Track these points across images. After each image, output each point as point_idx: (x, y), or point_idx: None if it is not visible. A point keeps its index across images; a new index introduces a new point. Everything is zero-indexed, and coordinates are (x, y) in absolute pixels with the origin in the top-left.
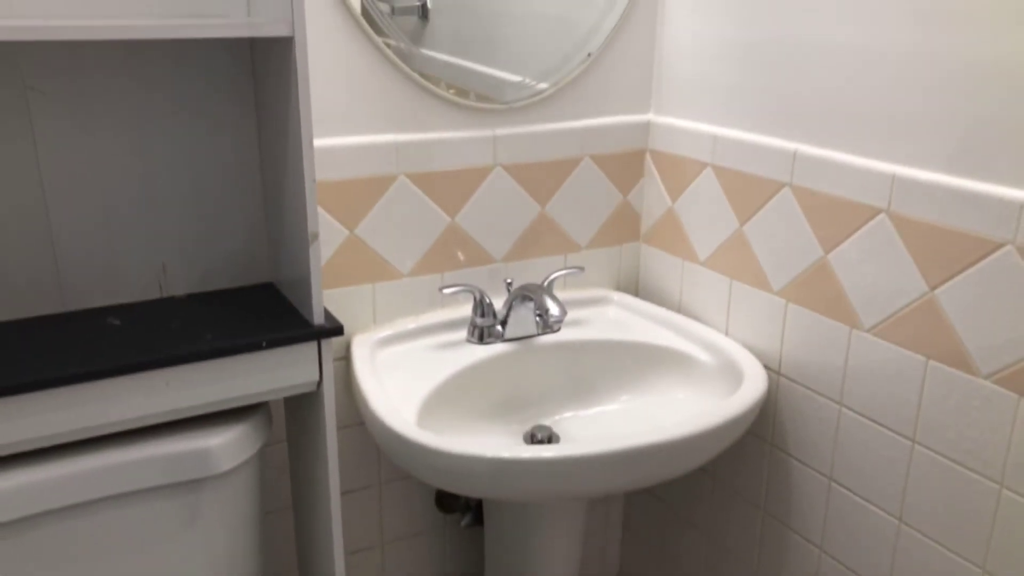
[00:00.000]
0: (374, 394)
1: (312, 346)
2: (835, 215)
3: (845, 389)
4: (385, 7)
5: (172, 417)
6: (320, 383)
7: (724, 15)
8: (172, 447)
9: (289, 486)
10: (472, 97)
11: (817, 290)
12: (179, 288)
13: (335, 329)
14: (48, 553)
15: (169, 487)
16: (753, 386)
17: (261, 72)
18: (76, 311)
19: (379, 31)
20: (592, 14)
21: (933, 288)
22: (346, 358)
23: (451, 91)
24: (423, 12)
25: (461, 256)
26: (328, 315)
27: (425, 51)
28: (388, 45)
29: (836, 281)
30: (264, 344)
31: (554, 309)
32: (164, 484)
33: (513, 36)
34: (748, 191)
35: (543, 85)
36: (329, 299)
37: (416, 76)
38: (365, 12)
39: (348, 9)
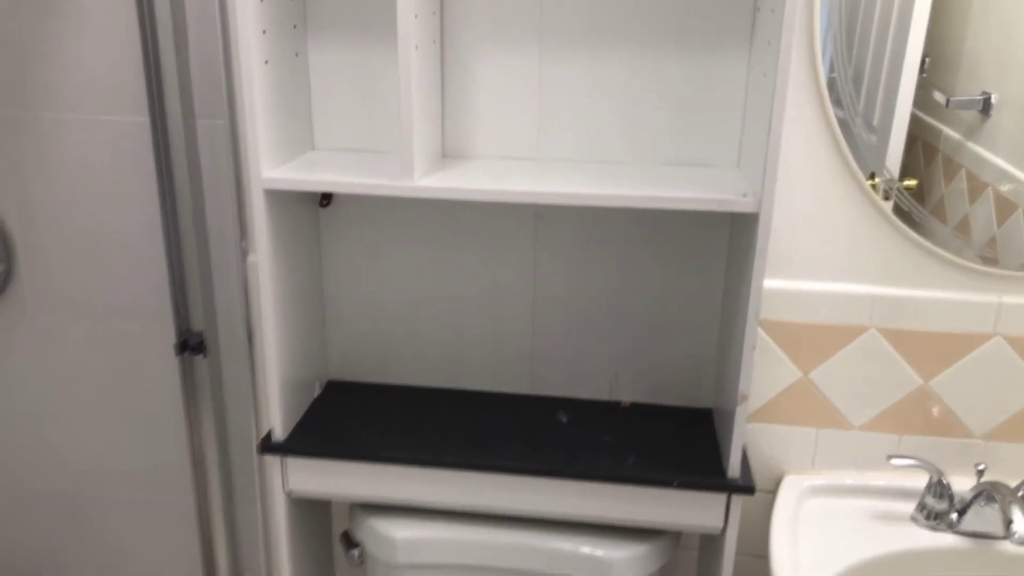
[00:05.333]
0: (782, 559)
1: (721, 495)
2: None
3: None
4: (874, 138)
5: (581, 520)
6: (724, 531)
7: None
8: (582, 549)
9: None
10: (974, 258)
11: None
12: (627, 394)
13: (745, 488)
14: None
15: None
16: None
17: (738, 224)
18: (538, 396)
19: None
20: None
21: None
22: (774, 492)
23: (949, 250)
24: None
25: (935, 415)
26: (745, 469)
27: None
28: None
29: None
30: (675, 484)
31: (1022, 527)
32: None
33: None
34: None
35: None
36: (768, 433)
37: (911, 232)
38: (855, 152)
39: (844, 161)
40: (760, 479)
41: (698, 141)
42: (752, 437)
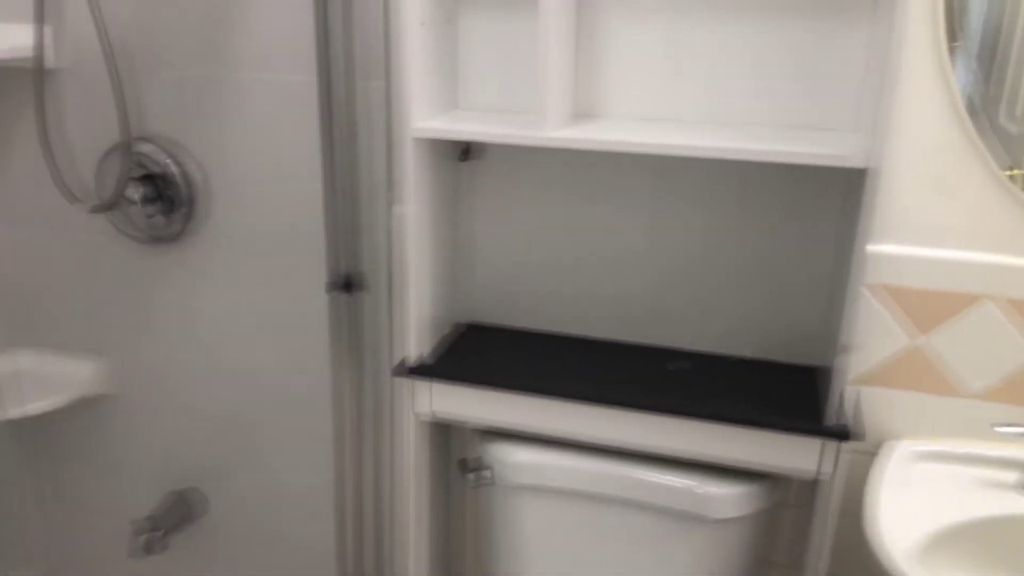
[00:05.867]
0: (876, 513)
1: (815, 442)
2: None
3: None
4: (1014, 128)
5: (687, 458)
6: (818, 476)
7: None
8: (685, 483)
9: (798, 547)
10: None
11: None
12: (737, 348)
13: (840, 434)
14: (582, 521)
15: (673, 512)
16: None
17: (853, 186)
18: (651, 346)
19: (995, 154)
20: None
21: None
22: (874, 455)
23: None
24: None
25: None
26: (841, 419)
27: None
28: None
29: None
30: (769, 426)
31: None
32: (670, 508)
33: None
34: None
35: None
36: (875, 397)
37: None
38: (983, 135)
39: (964, 129)
40: (865, 442)
41: (820, 106)
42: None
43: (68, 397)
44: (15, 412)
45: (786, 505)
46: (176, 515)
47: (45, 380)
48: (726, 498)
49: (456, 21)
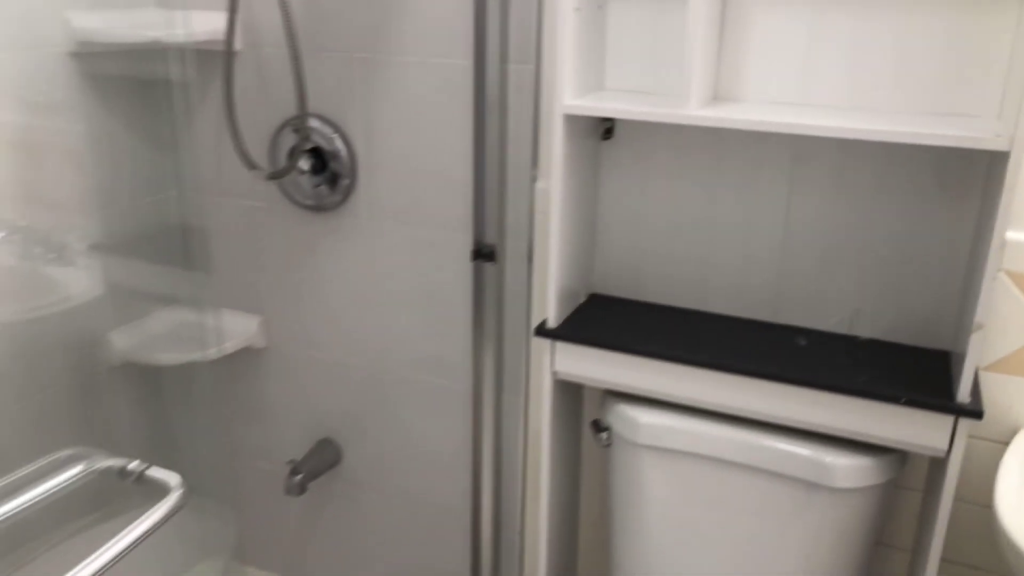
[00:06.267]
0: (1005, 486)
1: (947, 418)
2: None
3: None
4: None
5: (811, 428)
6: (949, 455)
7: None
8: (809, 452)
9: (911, 529)
10: None
11: None
12: (864, 331)
13: (972, 411)
14: (703, 484)
15: (794, 480)
16: None
17: (993, 171)
18: (778, 324)
19: None
20: None
21: None
22: (1003, 443)
23: None
24: None
25: None
26: (975, 398)
27: None
28: None
29: None
30: (902, 401)
31: None
32: (791, 476)
33: None
34: None
35: None
36: (1008, 385)
37: None
38: None
39: None
40: (994, 430)
41: (961, 93)
42: (990, 387)
43: (234, 347)
44: (193, 356)
45: (902, 487)
46: (318, 462)
47: (214, 331)
48: (850, 468)
49: (606, 7)
